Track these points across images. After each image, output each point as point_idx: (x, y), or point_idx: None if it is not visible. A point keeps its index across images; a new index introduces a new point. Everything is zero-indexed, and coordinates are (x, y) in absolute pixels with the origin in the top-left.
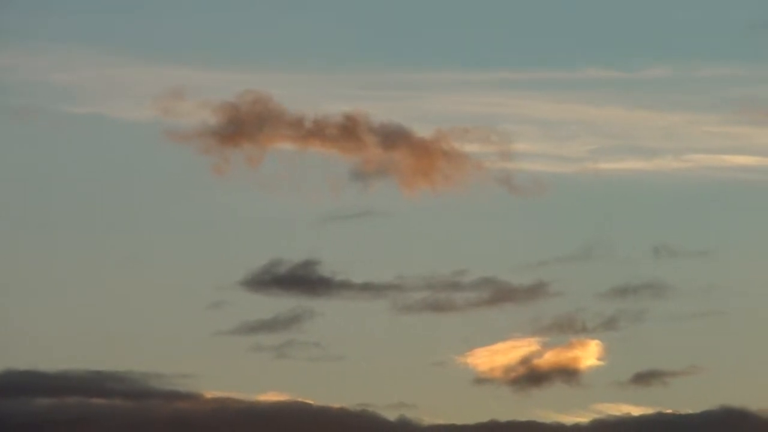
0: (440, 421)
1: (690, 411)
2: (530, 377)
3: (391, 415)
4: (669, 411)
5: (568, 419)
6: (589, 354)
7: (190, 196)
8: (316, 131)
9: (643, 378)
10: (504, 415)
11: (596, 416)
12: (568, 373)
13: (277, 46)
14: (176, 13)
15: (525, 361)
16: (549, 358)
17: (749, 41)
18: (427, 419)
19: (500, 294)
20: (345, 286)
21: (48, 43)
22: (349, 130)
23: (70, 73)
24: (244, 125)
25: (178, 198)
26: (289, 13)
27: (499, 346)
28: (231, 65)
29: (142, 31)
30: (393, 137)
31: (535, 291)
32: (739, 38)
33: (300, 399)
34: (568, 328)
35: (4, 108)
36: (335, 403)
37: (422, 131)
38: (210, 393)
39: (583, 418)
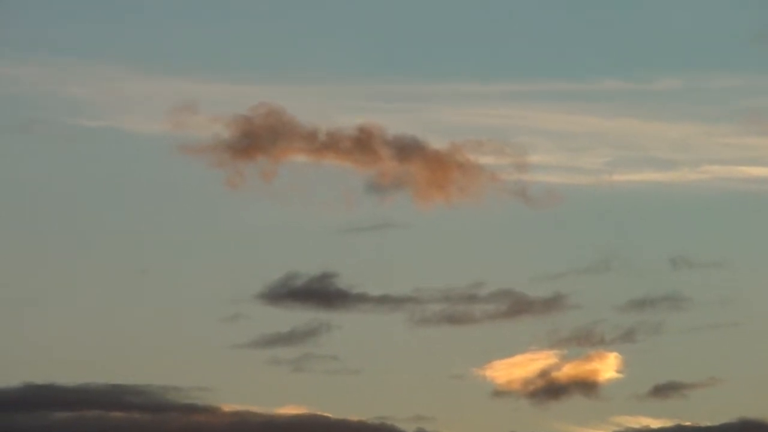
0: None
1: (709, 423)
2: (549, 390)
3: (410, 428)
4: (688, 423)
5: None
6: (607, 366)
7: (204, 209)
8: (330, 144)
9: (662, 390)
10: (522, 428)
11: (615, 429)
12: (586, 386)
13: (290, 58)
14: (189, 26)
15: (543, 373)
16: (567, 370)
17: (762, 52)
18: None
19: (518, 306)
20: (362, 298)
21: (60, 55)
22: (363, 143)
23: (82, 86)
24: (257, 138)
25: (193, 212)
26: (302, 25)
27: (517, 358)
28: (244, 78)
29: (155, 44)
30: (407, 149)
31: (552, 303)
32: (752, 49)
33: (318, 412)
34: (586, 340)
35: (18, 120)
36: (353, 416)
37: (437, 143)
38: (228, 406)
39: (602, 431)
